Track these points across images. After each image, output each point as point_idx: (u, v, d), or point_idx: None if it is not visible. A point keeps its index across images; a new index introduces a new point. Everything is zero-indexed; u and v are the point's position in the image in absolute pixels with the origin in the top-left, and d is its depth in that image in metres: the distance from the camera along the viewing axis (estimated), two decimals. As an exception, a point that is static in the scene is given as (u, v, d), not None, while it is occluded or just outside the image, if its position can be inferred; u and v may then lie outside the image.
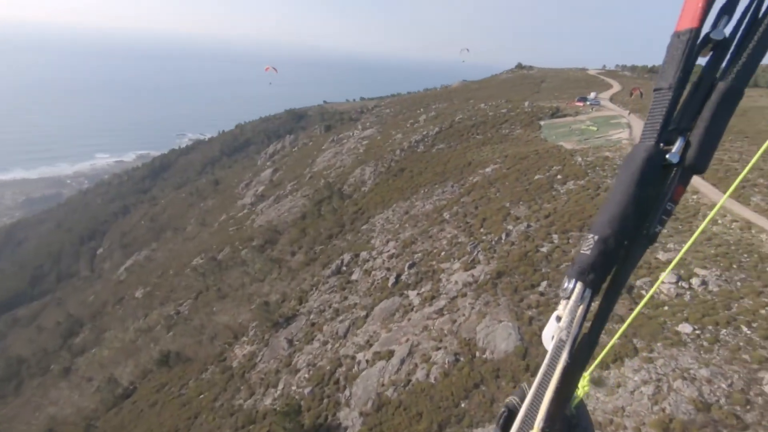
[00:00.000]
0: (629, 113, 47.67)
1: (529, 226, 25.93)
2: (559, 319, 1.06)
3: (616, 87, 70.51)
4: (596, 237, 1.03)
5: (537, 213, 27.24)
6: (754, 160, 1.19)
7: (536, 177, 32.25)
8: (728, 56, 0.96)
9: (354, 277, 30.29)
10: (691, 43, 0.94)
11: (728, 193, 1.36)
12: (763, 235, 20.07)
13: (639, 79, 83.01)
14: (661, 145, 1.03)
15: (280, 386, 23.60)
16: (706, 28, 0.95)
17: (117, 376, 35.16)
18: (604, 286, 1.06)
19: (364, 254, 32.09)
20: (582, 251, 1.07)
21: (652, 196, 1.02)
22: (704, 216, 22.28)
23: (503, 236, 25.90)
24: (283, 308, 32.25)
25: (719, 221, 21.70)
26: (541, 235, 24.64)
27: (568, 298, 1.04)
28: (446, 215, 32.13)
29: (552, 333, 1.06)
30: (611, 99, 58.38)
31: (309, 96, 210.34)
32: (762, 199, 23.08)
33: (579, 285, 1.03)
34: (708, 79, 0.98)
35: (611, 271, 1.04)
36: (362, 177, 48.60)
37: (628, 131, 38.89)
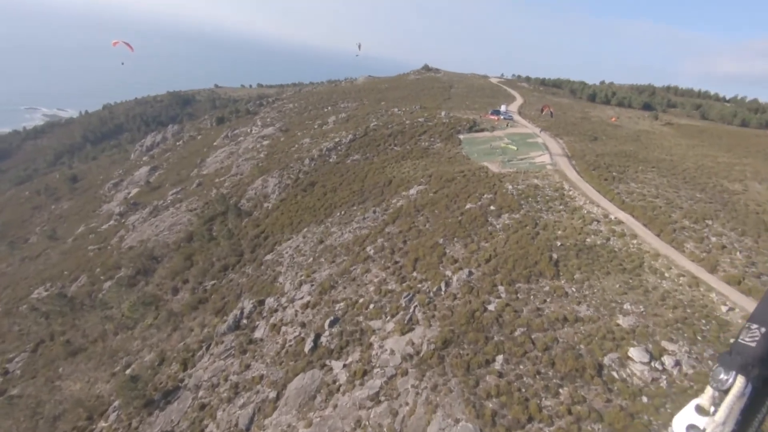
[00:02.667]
0: (541, 131, 48.14)
1: (470, 273, 22.49)
2: (700, 409, 1.02)
3: (519, 99, 72.80)
4: (763, 329, 1.00)
5: (476, 254, 23.99)
6: None
7: (468, 206, 29.23)
8: None
9: (258, 334, 24.02)
10: None
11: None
12: (713, 294, 19.13)
13: (535, 92, 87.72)
14: None
15: None
16: None
17: None
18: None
19: (270, 301, 25.89)
20: (743, 341, 1.02)
21: None
22: (650, 267, 20.99)
23: (443, 286, 22.09)
24: (161, 375, 24.62)
25: (666, 274, 20.50)
26: (486, 286, 21.34)
27: (724, 390, 1.00)
28: (370, 250, 27.44)
29: (689, 423, 1.03)
30: (520, 113, 59.28)
31: (199, 78, 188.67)
32: (696, 246, 22.65)
33: (741, 379, 0.99)
34: None
35: None
36: (264, 190, 41.46)
37: (548, 154, 38.31)
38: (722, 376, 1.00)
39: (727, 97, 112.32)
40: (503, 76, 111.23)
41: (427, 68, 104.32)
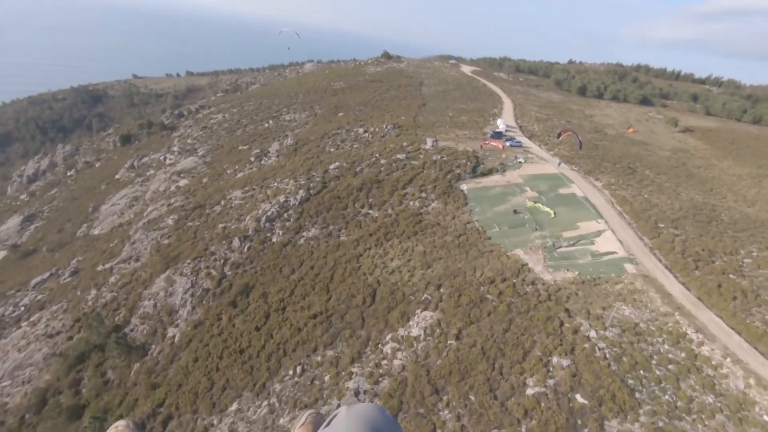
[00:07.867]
0: (560, 163, 35.59)
1: None
2: None
3: (506, 100, 59.81)
4: None
5: None
6: None
7: (530, 389, 15.98)
8: None
9: None
10: None
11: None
12: None
13: (517, 86, 75.03)
14: None
15: None
16: None
17: None
18: None
19: None
20: None
21: None
22: None
23: None
24: None
25: None
26: None
27: None
28: None
29: None
30: (519, 125, 46.35)
31: (112, 68, 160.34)
32: None
33: None
34: None
35: None
36: (170, 298, 26.09)
37: (608, 229, 25.50)
38: None
39: (696, 75, 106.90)
40: (472, 61, 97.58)
41: (387, 56, 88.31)
